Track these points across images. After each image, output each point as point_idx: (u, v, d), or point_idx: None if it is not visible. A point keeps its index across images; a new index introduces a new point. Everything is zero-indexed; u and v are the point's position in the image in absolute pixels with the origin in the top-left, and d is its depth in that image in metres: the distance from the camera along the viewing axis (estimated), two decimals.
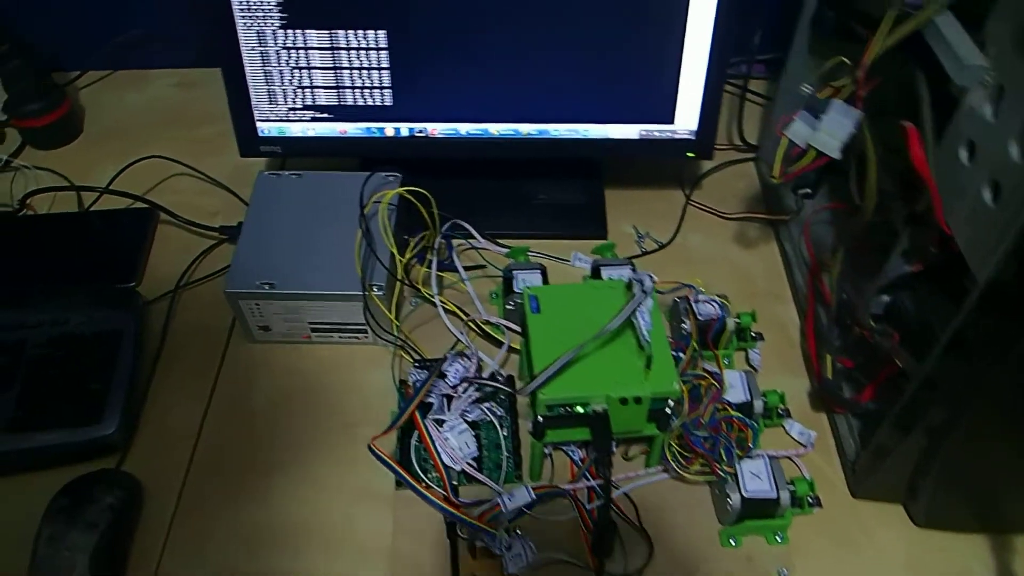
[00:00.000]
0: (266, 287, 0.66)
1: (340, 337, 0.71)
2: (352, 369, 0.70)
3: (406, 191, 0.69)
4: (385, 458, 0.61)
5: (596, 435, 0.56)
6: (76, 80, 0.98)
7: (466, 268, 0.75)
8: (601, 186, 0.85)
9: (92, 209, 0.83)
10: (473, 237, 0.74)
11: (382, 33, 0.69)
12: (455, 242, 0.75)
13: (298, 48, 0.70)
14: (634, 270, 0.71)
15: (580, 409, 0.56)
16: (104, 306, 0.71)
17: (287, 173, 0.75)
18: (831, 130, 0.58)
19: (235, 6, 0.68)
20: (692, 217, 0.84)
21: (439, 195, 0.70)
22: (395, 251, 0.68)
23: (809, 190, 0.70)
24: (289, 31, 0.69)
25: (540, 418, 0.56)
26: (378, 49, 0.70)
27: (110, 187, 0.83)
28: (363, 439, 0.63)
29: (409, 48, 0.70)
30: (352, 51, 0.71)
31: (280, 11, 0.68)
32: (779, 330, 0.73)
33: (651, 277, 0.57)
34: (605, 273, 0.71)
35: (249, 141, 0.76)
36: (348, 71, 0.72)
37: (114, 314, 0.70)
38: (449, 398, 0.64)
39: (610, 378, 0.56)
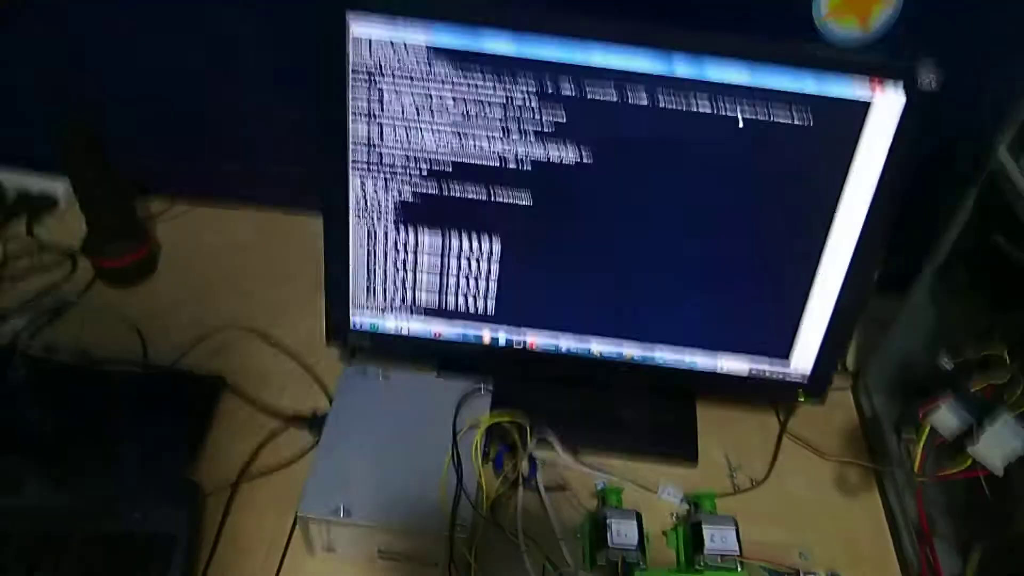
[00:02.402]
0: (342, 514, 0.61)
1: (409, 565, 0.65)
2: None
3: (504, 420, 0.64)
4: None
5: None
6: (160, 215, 0.95)
7: (548, 489, 0.69)
8: (694, 405, 0.80)
9: (155, 367, 0.78)
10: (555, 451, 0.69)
11: (496, 241, 0.66)
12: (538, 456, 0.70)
13: (408, 248, 0.67)
14: (738, 535, 0.65)
15: None
16: (161, 500, 0.65)
17: (373, 370, 0.70)
18: (995, 443, 0.53)
19: (352, 205, 0.65)
20: (788, 450, 0.78)
21: (517, 396, 0.68)
22: (484, 486, 0.63)
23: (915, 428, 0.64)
24: (401, 230, 0.66)
25: None
26: (490, 256, 0.67)
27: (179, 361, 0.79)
28: None
29: (522, 257, 0.67)
30: (463, 257, 0.67)
31: (396, 211, 0.65)
32: None
33: None
34: (707, 532, 0.65)
35: (339, 330, 0.72)
36: (456, 275, 0.68)
37: (171, 513, 0.64)
38: None
39: None
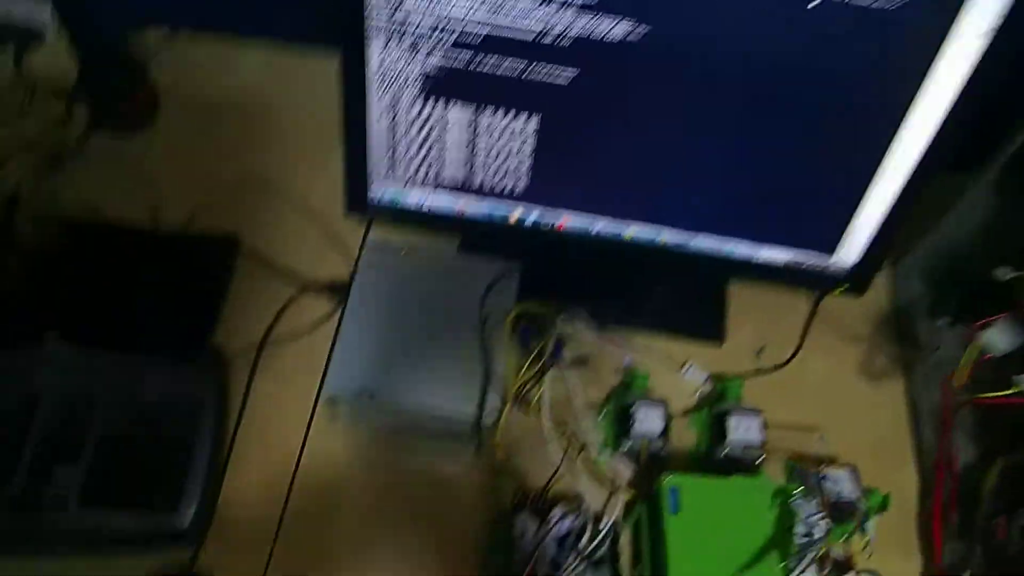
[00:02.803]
0: (367, 397, 0.60)
1: (435, 443, 0.66)
2: (446, 483, 0.66)
3: (535, 311, 0.62)
4: None
5: None
6: (159, 51, 0.86)
7: (572, 365, 0.69)
8: (726, 286, 0.77)
9: (167, 227, 0.75)
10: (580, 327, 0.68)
11: (533, 119, 0.60)
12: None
13: (435, 121, 0.61)
14: (764, 427, 0.65)
15: None
16: (183, 372, 0.65)
17: (397, 245, 0.67)
18: None
19: (372, 73, 0.58)
20: (816, 333, 0.77)
21: (542, 277, 0.66)
22: (512, 373, 0.62)
23: (951, 318, 0.63)
24: (429, 101, 0.60)
25: None
26: (523, 134, 0.61)
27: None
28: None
29: (558, 136, 0.61)
30: (495, 133, 0.61)
31: (422, 81, 0.58)
32: (895, 495, 0.68)
33: (823, 521, 0.51)
34: (734, 421, 0.65)
35: (358, 200, 0.67)
36: (486, 152, 0.63)
37: (197, 378, 0.65)
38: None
39: None
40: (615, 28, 0.53)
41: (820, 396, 0.73)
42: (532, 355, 0.65)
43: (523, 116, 0.60)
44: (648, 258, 0.69)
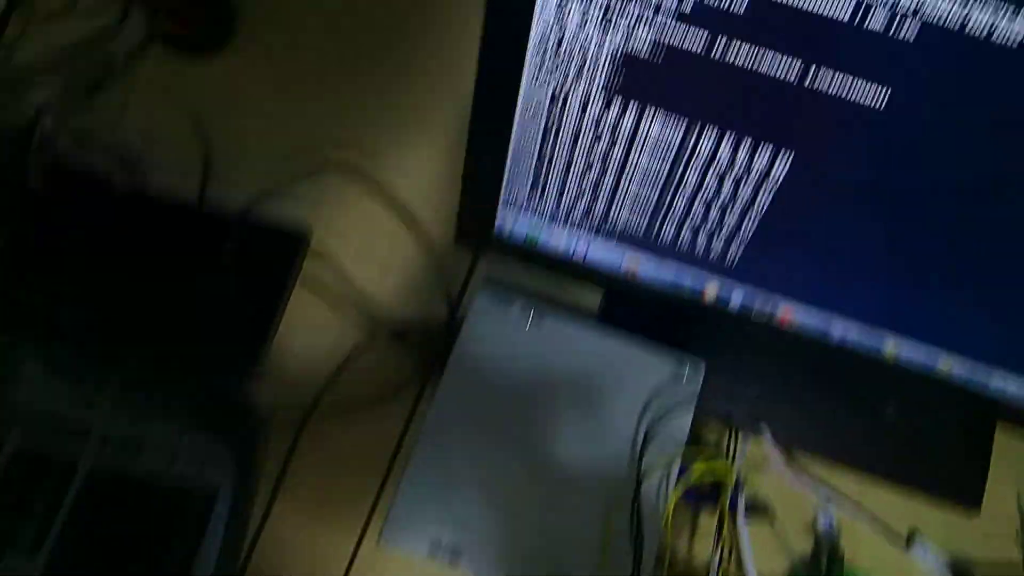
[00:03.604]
0: (447, 557, 0.39)
1: None
2: None
3: (714, 471, 0.39)
4: None
5: None
6: None
7: (748, 513, 0.46)
8: (990, 427, 0.51)
9: (215, 204, 0.55)
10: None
11: (786, 154, 0.35)
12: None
13: (620, 135, 0.37)
14: None
15: None
16: (206, 435, 0.45)
17: (518, 303, 0.45)
18: None
19: (531, 42, 0.34)
20: None
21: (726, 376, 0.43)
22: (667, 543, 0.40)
23: None
24: (614, 103, 0.36)
25: None
26: (769, 179, 0.36)
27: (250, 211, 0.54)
28: None
29: (815, 185, 0.36)
30: (714, 169, 0.37)
31: (612, 68, 0.34)
32: None
33: None
34: None
35: (475, 229, 0.45)
36: (692, 192, 0.38)
37: (216, 454, 0.45)
38: None
39: None
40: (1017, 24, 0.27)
41: None
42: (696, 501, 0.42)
43: (769, 151, 0.35)
44: (901, 380, 0.44)
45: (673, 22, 0.31)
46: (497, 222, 0.43)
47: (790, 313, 0.43)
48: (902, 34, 0.29)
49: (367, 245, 0.53)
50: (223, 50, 0.61)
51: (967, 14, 0.27)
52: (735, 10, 0.30)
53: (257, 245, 0.53)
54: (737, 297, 0.43)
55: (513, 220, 0.43)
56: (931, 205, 0.34)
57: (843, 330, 0.42)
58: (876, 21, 0.29)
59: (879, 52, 0.29)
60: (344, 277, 0.53)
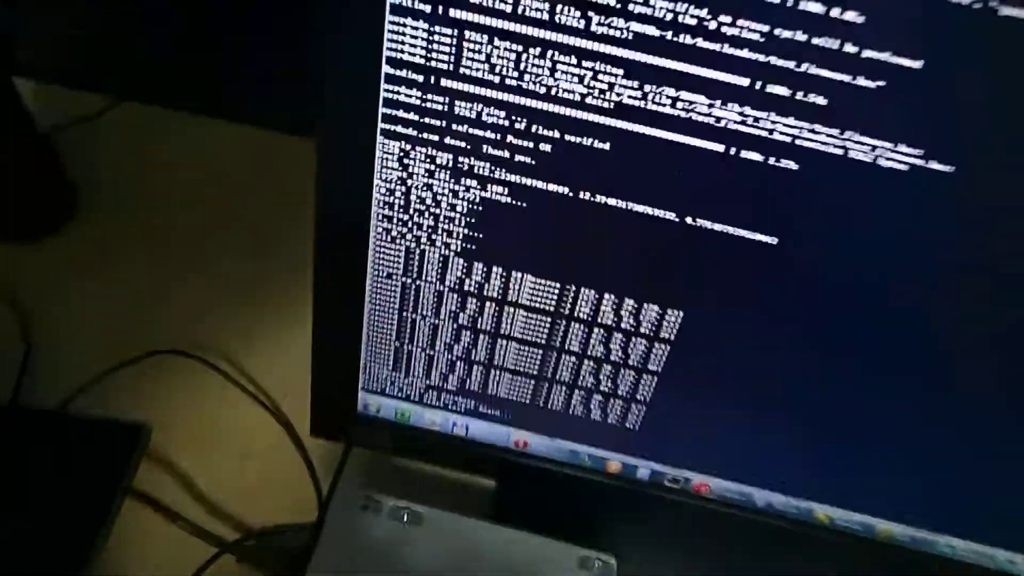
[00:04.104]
0: None
1: None
2: None
3: None
4: None
5: None
6: (82, 122, 0.60)
7: None
8: None
9: (31, 409, 0.46)
10: None
11: (674, 314, 0.31)
12: None
13: (488, 298, 0.32)
14: None
15: None
16: None
17: (390, 505, 0.37)
18: None
19: (376, 200, 0.30)
20: None
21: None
22: None
23: None
24: (477, 266, 0.31)
25: None
26: (654, 337, 0.31)
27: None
28: None
29: (713, 344, 0.32)
30: (598, 329, 0.32)
31: (469, 223, 0.29)
32: None
33: None
34: None
35: (333, 415, 0.38)
36: (577, 357, 0.33)
37: None
38: None
39: None
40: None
41: None
42: None
43: (655, 312, 0.30)
44: (832, 552, 0.39)
45: (529, 173, 0.27)
46: (359, 408, 0.37)
47: (706, 484, 0.37)
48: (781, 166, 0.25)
49: (216, 439, 0.46)
50: (64, 227, 0.55)
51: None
52: (596, 154, 0.26)
53: (85, 442, 0.44)
54: (644, 471, 0.37)
55: (377, 406, 0.37)
56: (843, 360, 0.30)
57: (768, 497, 0.37)
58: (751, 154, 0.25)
59: (758, 189, 0.26)
60: (188, 479, 0.44)
